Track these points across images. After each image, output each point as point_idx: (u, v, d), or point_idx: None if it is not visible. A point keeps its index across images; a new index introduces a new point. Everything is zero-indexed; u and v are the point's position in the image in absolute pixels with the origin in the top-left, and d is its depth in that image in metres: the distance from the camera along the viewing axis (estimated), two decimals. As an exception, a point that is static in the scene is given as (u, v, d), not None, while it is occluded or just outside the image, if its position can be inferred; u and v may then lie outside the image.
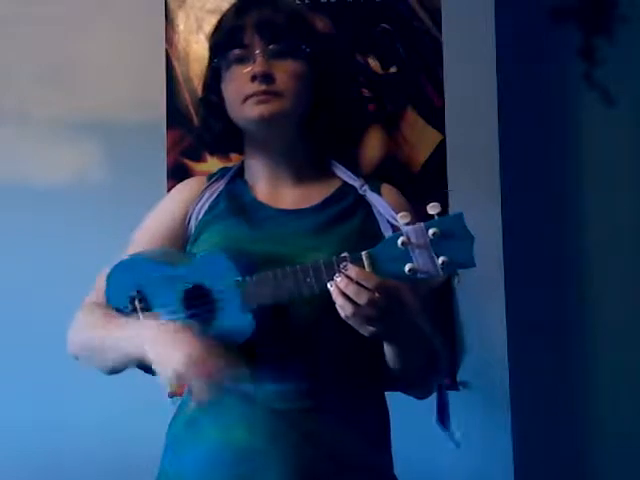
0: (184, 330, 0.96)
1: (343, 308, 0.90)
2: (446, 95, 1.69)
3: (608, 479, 1.91)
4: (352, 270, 0.90)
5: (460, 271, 0.88)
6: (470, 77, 1.70)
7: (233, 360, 0.94)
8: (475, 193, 1.64)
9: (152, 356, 0.95)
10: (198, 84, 1.67)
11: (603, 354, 1.92)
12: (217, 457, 1.01)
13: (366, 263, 0.90)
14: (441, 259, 0.86)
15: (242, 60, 1.09)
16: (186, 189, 1.20)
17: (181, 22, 1.72)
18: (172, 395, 1.64)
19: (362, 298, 0.89)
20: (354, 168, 1.19)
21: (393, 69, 1.71)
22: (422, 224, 0.87)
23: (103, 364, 1.05)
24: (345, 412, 1.04)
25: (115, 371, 1.06)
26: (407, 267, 0.87)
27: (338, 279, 0.90)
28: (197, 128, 1.21)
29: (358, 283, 0.89)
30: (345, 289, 0.89)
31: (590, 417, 1.92)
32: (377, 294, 0.89)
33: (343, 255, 0.91)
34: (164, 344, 0.95)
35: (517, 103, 1.85)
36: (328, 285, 0.91)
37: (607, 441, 1.91)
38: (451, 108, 1.69)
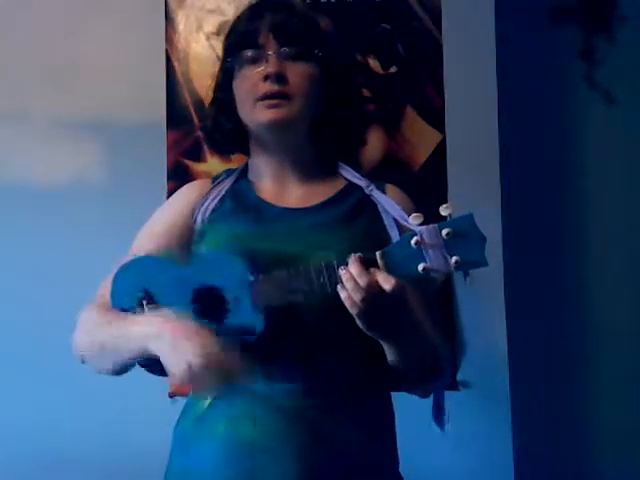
0: (193, 324, 0.96)
1: (345, 300, 0.92)
2: (446, 95, 1.69)
3: (608, 479, 1.91)
4: (352, 265, 0.91)
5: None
6: (470, 77, 1.70)
7: (243, 354, 0.94)
8: (475, 193, 1.64)
9: (164, 349, 0.94)
10: (198, 84, 1.68)
11: (603, 354, 1.92)
12: (225, 454, 1.02)
13: (380, 262, 0.92)
14: (454, 259, 0.88)
15: (255, 60, 1.10)
16: (191, 190, 1.20)
17: (181, 22, 1.72)
18: (172, 395, 1.64)
19: (357, 296, 0.91)
20: (356, 168, 1.20)
21: (393, 69, 1.71)
22: (435, 225, 0.89)
23: (112, 363, 1.04)
24: (352, 410, 1.04)
25: (123, 370, 1.06)
26: (421, 266, 0.89)
27: (342, 272, 0.92)
28: (207, 127, 1.22)
29: (354, 280, 0.91)
30: (346, 284, 0.91)
31: (590, 417, 1.92)
32: (365, 293, 0.90)
33: (359, 255, 0.92)
34: (175, 336, 0.93)
35: (517, 103, 1.85)
36: (338, 285, 0.92)
37: (607, 441, 1.91)
38: (451, 108, 1.69)
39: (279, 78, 1.07)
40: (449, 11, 1.70)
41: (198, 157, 1.68)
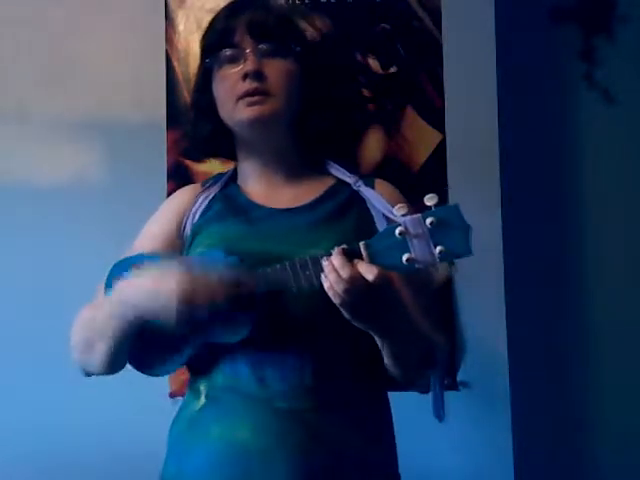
0: (164, 265, 0.97)
1: (328, 290, 0.92)
2: (446, 95, 1.69)
3: (608, 479, 1.91)
4: (336, 258, 0.91)
5: (459, 266, 0.89)
6: (470, 77, 1.70)
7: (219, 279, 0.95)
8: (475, 193, 1.64)
9: (147, 302, 0.95)
10: (198, 84, 1.68)
11: (603, 354, 1.92)
12: (220, 456, 1.01)
13: (364, 253, 0.91)
14: (438, 248, 0.87)
15: (233, 60, 1.10)
16: (181, 196, 1.20)
17: (181, 22, 1.72)
18: (173, 395, 1.64)
19: (339, 287, 0.91)
20: (353, 167, 1.20)
21: (393, 69, 1.71)
22: (419, 215, 0.88)
23: (101, 351, 1.03)
24: (348, 410, 1.04)
25: (115, 363, 1.05)
26: (405, 257, 0.89)
27: (325, 263, 0.92)
28: (188, 131, 1.22)
29: (336, 272, 0.90)
30: (329, 275, 0.91)
31: (590, 417, 1.92)
32: (349, 285, 0.90)
33: (342, 247, 0.92)
34: (153, 285, 0.95)
35: (517, 103, 1.85)
36: (322, 276, 0.92)
37: (607, 440, 1.91)
38: (451, 108, 1.69)
39: (258, 75, 1.07)
40: (449, 11, 1.71)
41: (198, 157, 1.67)
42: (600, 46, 1.96)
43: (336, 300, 0.92)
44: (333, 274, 0.91)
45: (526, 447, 1.75)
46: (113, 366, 1.05)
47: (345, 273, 0.90)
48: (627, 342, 1.92)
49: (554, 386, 1.91)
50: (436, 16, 1.71)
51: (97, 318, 1.02)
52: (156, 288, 0.95)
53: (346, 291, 0.90)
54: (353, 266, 0.90)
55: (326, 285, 0.92)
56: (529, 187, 1.91)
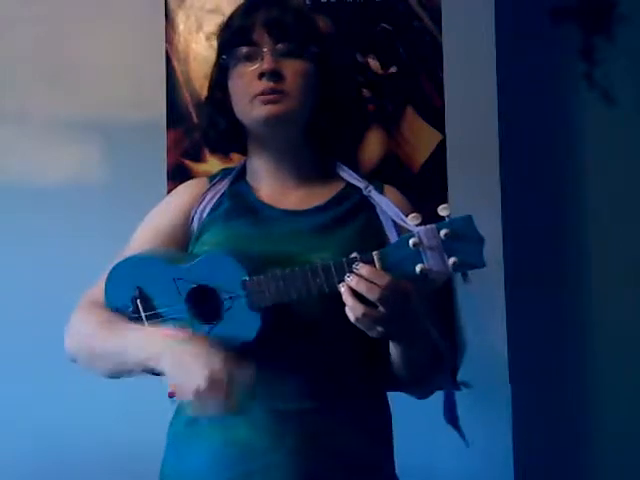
0: (201, 343, 0.94)
1: (353, 309, 0.90)
2: (446, 95, 1.69)
3: (608, 478, 1.91)
4: (363, 268, 0.90)
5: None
6: (470, 77, 1.70)
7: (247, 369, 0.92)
8: (475, 193, 1.64)
9: (169, 372, 0.94)
10: (198, 84, 1.68)
11: (603, 354, 1.92)
12: (219, 456, 1.01)
13: (377, 264, 0.91)
14: (452, 260, 0.87)
15: (250, 58, 1.09)
16: (188, 190, 1.19)
17: (181, 22, 1.72)
18: (172, 395, 1.64)
19: (374, 295, 0.89)
20: (355, 168, 1.20)
21: (393, 69, 1.71)
22: (434, 225, 0.88)
23: (105, 369, 1.04)
24: (347, 412, 1.04)
25: (115, 376, 1.06)
26: (418, 268, 0.88)
27: (349, 278, 0.90)
28: (202, 125, 1.21)
29: (369, 280, 0.89)
30: (356, 286, 0.90)
31: (590, 417, 1.92)
32: (388, 292, 0.89)
33: (353, 255, 0.92)
34: (182, 359, 0.93)
35: (517, 103, 1.85)
36: (339, 286, 0.91)
37: (607, 441, 1.91)
38: (451, 108, 1.69)
39: (274, 75, 1.07)
40: (449, 11, 1.70)
41: (198, 157, 1.68)
42: (600, 46, 1.96)
43: (368, 316, 0.91)
44: (364, 283, 0.89)
45: (526, 447, 1.75)
46: (111, 378, 1.06)
47: (358, 312, 0.90)
48: (627, 342, 1.92)
49: (554, 386, 1.91)
50: (436, 16, 1.71)
51: (103, 349, 1.03)
52: (184, 374, 0.92)
53: (381, 299, 0.90)
54: (364, 307, 0.90)
55: (350, 302, 0.90)
56: (529, 187, 1.91)
